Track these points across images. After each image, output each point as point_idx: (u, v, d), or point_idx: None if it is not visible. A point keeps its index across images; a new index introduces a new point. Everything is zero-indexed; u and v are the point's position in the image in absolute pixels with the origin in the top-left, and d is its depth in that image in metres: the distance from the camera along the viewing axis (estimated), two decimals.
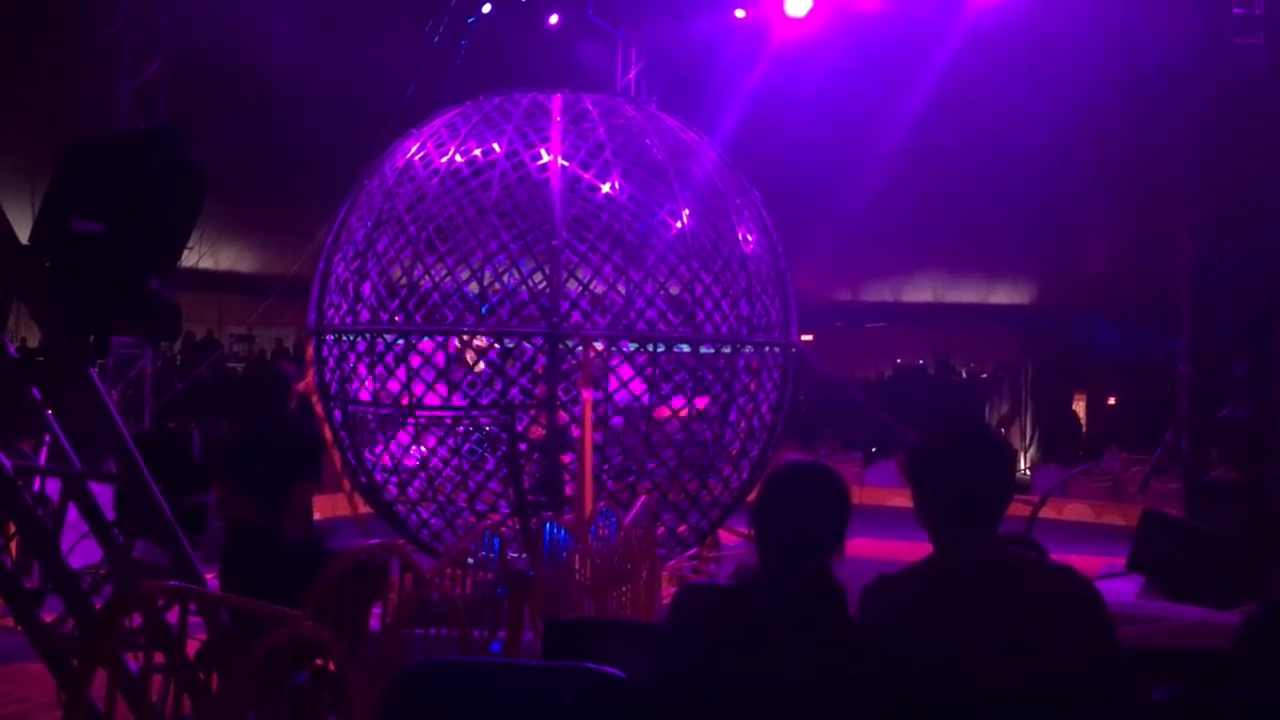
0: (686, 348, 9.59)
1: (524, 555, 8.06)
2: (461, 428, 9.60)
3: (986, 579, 2.58)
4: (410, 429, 9.28)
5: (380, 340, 9.27)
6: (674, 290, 9.98)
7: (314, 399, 9.65)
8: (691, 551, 10.21)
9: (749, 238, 9.70)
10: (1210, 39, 10.51)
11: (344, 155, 12.02)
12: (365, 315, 9.30)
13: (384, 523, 9.73)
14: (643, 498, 8.70)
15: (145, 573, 4.70)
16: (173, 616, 3.89)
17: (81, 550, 4.95)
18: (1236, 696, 2.71)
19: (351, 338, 9.36)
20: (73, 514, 4.85)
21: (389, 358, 9.23)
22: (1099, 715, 2.53)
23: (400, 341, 9.23)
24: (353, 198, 9.65)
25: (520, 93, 9.79)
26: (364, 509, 10.21)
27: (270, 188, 19.96)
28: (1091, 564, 10.07)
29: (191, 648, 4.12)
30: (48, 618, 4.67)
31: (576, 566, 6.98)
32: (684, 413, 9.31)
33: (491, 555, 6.69)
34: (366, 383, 9.22)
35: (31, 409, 4.61)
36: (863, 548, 10.23)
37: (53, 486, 5.03)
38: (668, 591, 8.29)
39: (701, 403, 9.50)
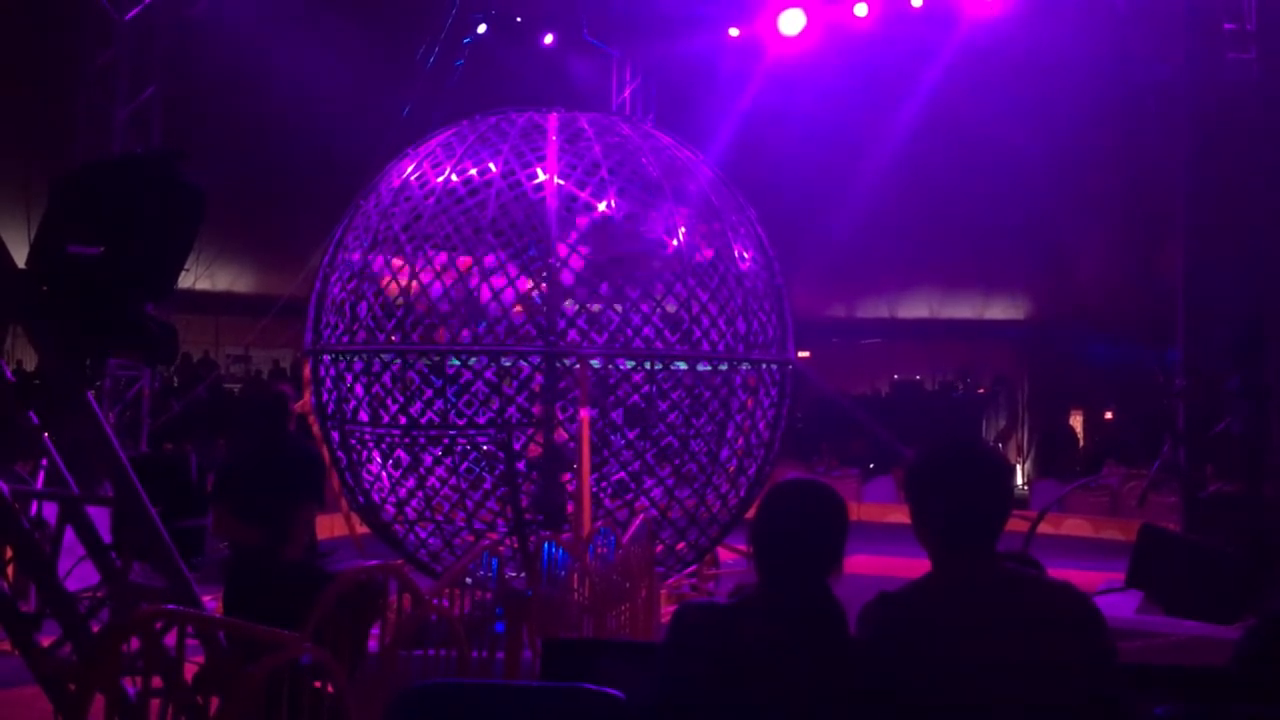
0: (684, 365, 9.59)
1: (522, 575, 8.04)
2: (459, 447, 9.59)
3: (985, 596, 2.58)
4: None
5: (377, 360, 9.28)
6: (671, 308, 9.99)
7: (311, 419, 9.64)
8: (690, 569, 10.19)
9: (745, 255, 9.72)
10: (1202, 55, 10.54)
11: (340, 176, 12.04)
12: (362, 335, 9.30)
13: (382, 542, 9.70)
14: (641, 516, 8.69)
15: (142, 596, 4.68)
16: (170, 640, 3.87)
17: (79, 573, 4.94)
18: (1237, 713, 2.71)
19: (348, 358, 9.36)
20: (70, 537, 4.84)
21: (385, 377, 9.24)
22: None
23: (397, 361, 9.25)
24: (349, 218, 9.66)
25: (516, 112, 9.83)
26: (361, 529, 10.18)
27: (266, 209, 20.02)
28: (1090, 579, 10.06)
29: (189, 671, 4.11)
30: (45, 642, 4.65)
31: (575, 585, 6.97)
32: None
33: (490, 575, 6.68)
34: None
35: (28, 432, 4.60)
36: (861, 564, 10.23)
37: (50, 510, 5.02)
38: (667, 610, 8.26)
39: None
